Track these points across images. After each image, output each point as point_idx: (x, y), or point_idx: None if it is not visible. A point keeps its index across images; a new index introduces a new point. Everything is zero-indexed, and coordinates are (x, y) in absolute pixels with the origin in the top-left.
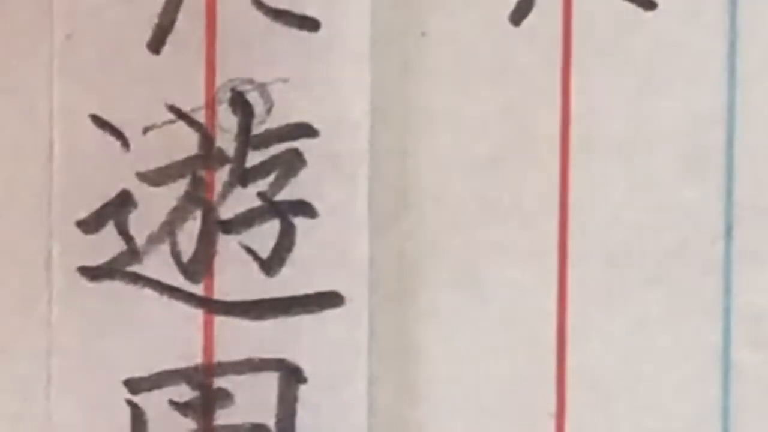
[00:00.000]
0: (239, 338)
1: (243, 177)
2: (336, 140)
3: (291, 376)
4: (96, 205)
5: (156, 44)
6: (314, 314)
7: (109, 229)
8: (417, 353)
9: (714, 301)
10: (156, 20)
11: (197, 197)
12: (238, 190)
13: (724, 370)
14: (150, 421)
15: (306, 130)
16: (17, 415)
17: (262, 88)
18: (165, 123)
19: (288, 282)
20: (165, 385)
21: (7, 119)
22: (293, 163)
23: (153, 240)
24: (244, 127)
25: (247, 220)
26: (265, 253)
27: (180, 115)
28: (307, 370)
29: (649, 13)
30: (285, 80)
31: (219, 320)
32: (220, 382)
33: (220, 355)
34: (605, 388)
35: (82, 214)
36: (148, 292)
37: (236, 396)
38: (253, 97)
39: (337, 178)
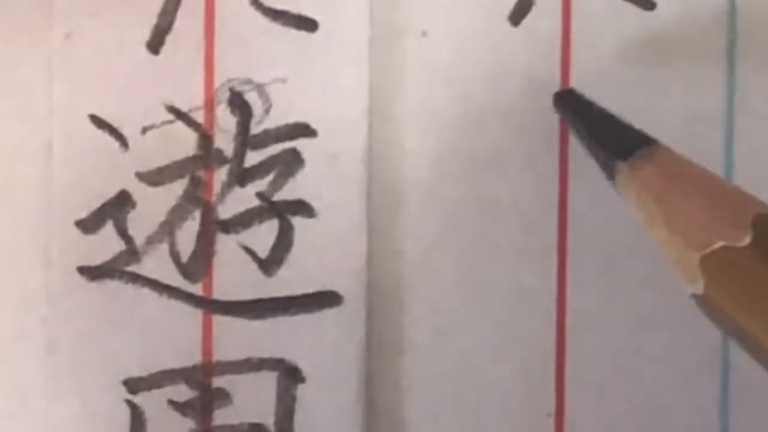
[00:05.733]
0: (238, 338)
1: (242, 177)
2: (334, 140)
3: (289, 375)
4: (95, 204)
5: (155, 44)
6: (313, 314)
7: (108, 228)
8: (415, 353)
9: None
10: (155, 20)
11: (196, 197)
12: (237, 190)
13: (723, 370)
14: (149, 421)
15: (304, 130)
16: (17, 415)
17: (260, 88)
18: (164, 123)
19: (286, 282)
20: (164, 385)
21: (7, 119)
22: (292, 163)
23: (152, 240)
24: (243, 127)
25: (245, 220)
26: (263, 252)
27: (179, 115)
28: (306, 369)
29: (649, 13)
30: (283, 80)
31: (218, 320)
32: (218, 382)
33: (219, 355)
34: (604, 388)
35: (82, 214)
36: (147, 291)
37: (235, 395)
38: (251, 97)
39: (335, 178)
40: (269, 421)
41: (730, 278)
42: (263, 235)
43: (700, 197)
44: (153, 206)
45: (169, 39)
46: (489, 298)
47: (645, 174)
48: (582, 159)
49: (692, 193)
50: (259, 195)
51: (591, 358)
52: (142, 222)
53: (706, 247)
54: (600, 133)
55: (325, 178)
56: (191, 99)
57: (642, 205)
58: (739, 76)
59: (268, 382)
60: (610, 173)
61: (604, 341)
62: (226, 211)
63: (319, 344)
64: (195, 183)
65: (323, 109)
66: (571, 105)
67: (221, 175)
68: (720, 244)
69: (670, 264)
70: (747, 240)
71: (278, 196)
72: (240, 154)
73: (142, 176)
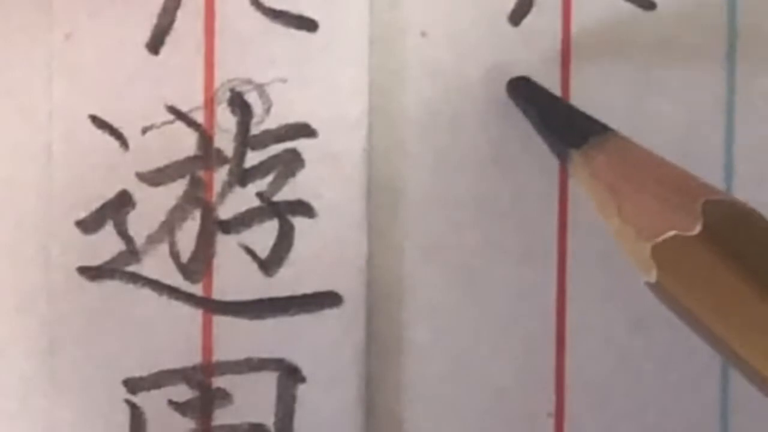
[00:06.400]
0: (238, 338)
1: (242, 177)
2: (334, 140)
3: (289, 375)
4: (95, 205)
5: (155, 44)
6: (313, 314)
7: (108, 229)
8: (415, 353)
9: None
10: (155, 20)
11: (196, 197)
12: (237, 190)
13: (722, 370)
14: (149, 421)
15: (304, 130)
16: (17, 415)
17: (260, 88)
18: (164, 123)
19: (287, 282)
20: (164, 385)
21: (7, 119)
22: (292, 163)
23: (152, 240)
24: (243, 128)
25: (245, 220)
26: (263, 252)
27: (179, 115)
28: (306, 369)
29: (649, 13)
30: (284, 80)
31: (218, 320)
32: (218, 382)
33: (219, 355)
34: (604, 388)
35: (82, 214)
36: (147, 291)
37: (235, 396)
38: (251, 97)
39: (335, 178)
40: (269, 421)
41: (681, 267)
42: (263, 235)
43: (652, 186)
44: (153, 206)
45: (169, 39)
46: (489, 298)
47: (597, 163)
48: None
49: (644, 181)
50: (259, 195)
51: (591, 358)
52: (142, 222)
53: (657, 236)
54: (553, 121)
55: (325, 178)
56: (191, 99)
57: (595, 194)
58: (739, 76)
59: (268, 382)
60: (564, 162)
61: (603, 341)
62: (226, 211)
63: (319, 344)
64: (195, 183)
65: (323, 109)
66: (525, 93)
67: (221, 175)
68: (671, 233)
69: (624, 253)
70: (698, 228)
71: (278, 196)
72: (240, 154)
73: (142, 176)
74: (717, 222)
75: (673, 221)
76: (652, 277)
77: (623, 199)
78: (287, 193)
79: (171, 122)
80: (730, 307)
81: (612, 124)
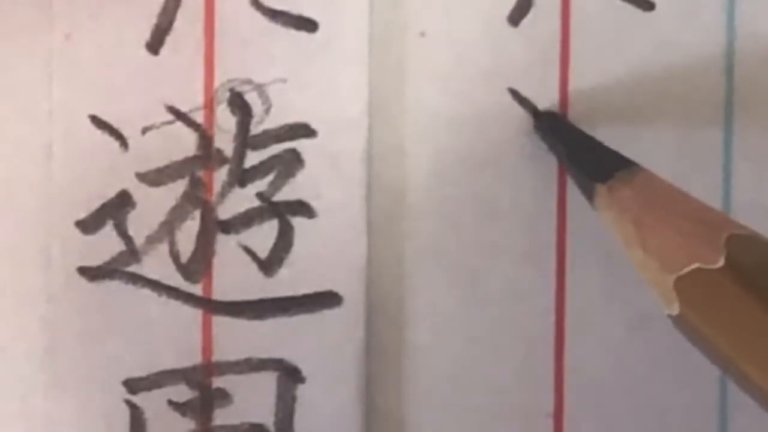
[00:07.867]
0: (238, 338)
1: (241, 177)
2: (334, 140)
3: (289, 375)
4: (95, 205)
5: (155, 44)
6: (312, 314)
7: (108, 229)
8: (415, 353)
9: None
10: (155, 21)
11: (196, 197)
12: (237, 191)
13: None
14: (149, 421)
15: (304, 131)
16: (17, 415)
17: (260, 88)
18: (164, 123)
19: (286, 282)
20: (164, 385)
21: (6, 119)
22: (292, 163)
23: (152, 240)
24: (243, 128)
25: (245, 220)
26: (263, 253)
27: (179, 115)
28: (306, 369)
29: (648, 14)
30: (283, 81)
31: (218, 320)
32: (218, 382)
33: (219, 355)
34: (603, 388)
35: (81, 214)
36: (147, 292)
37: (235, 396)
38: (251, 97)
39: (335, 179)
40: (269, 421)
41: (704, 300)
42: (263, 235)
43: (676, 219)
44: (153, 206)
45: (169, 39)
46: (489, 298)
47: (622, 196)
48: None
49: (668, 215)
50: (259, 195)
51: (590, 358)
52: (142, 222)
53: (681, 269)
54: (579, 156)
55: (325, 178)
56: (191, 99)
57: (620, 227)
58: (737, 75)
59: (268, 382)
60: (590, 196)
61: (603, 341)
62: (226, 211)
63: (319, 344)
64: (195, 183)
65: (323, 109)
66: (552, 128)
67: (221, 175)
68: (694, 266)
69: (647, 285)
70: (721, 262)
71: (278, 197)
72: (240, 154)
73: (142, 176)
74: (740, 256)
75: (697, 254)
76: (675, 309)
77: (647, 231)
78: (287, 193)
79: (171, 122)
80: (753, 340)
81: (610, 124)
